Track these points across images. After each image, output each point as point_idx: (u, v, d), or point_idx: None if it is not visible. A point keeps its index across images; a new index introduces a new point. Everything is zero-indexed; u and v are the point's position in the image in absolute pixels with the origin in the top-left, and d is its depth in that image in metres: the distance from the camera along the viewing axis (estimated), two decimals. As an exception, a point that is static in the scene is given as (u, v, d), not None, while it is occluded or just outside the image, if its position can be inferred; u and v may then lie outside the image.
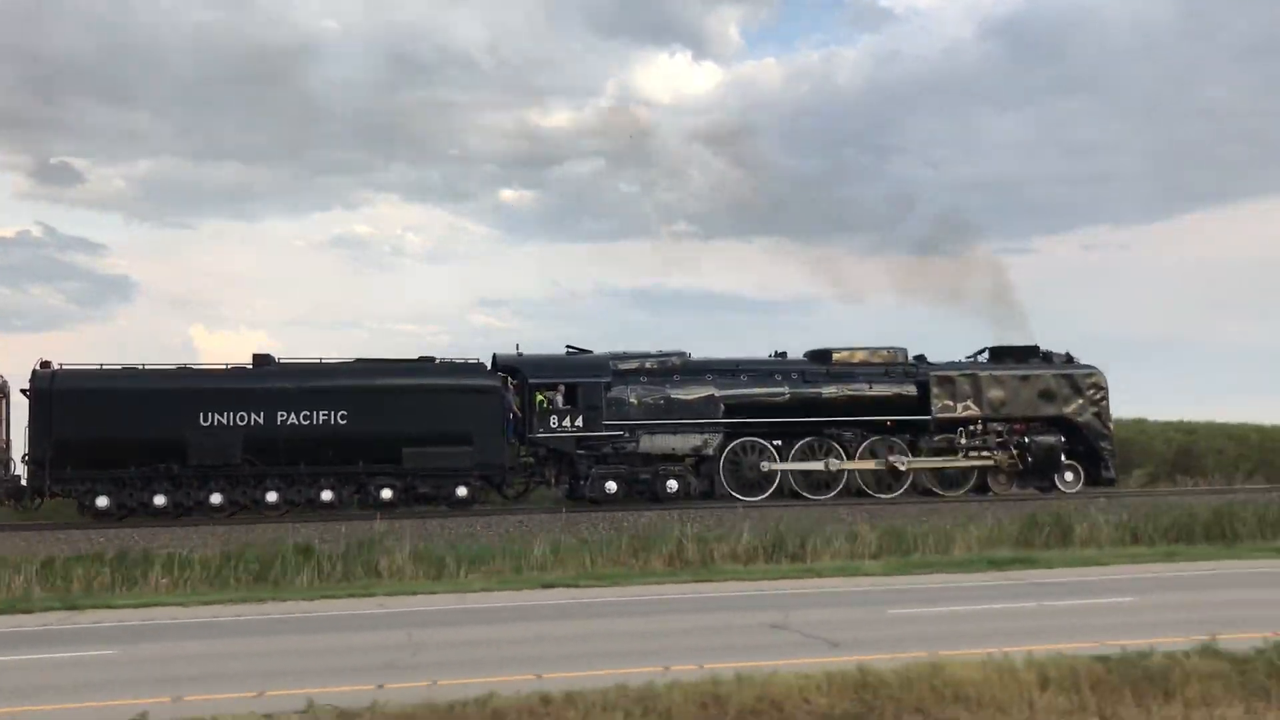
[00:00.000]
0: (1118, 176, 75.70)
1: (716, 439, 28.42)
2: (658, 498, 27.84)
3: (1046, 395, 30.22)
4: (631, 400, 28.15)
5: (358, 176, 79.26)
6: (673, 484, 27.90)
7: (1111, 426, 30.52)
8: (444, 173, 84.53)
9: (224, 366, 27.08)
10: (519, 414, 27.58)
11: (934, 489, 29.25)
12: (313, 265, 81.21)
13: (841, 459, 28.72)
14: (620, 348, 29.41)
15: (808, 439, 28.78)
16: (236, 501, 26.09)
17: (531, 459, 27.93)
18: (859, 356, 30.17)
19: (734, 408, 28.65)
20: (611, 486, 27.68)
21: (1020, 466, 29.59)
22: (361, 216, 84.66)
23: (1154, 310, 77.64)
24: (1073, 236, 79.80)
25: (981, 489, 29.58)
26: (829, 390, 29.29)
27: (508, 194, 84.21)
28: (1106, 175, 75.45)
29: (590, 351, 29.15)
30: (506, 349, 28.96)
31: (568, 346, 29.29)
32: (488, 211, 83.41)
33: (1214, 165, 75.14)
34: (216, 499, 25.76)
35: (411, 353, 28.39)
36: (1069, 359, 31.18)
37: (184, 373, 26.73)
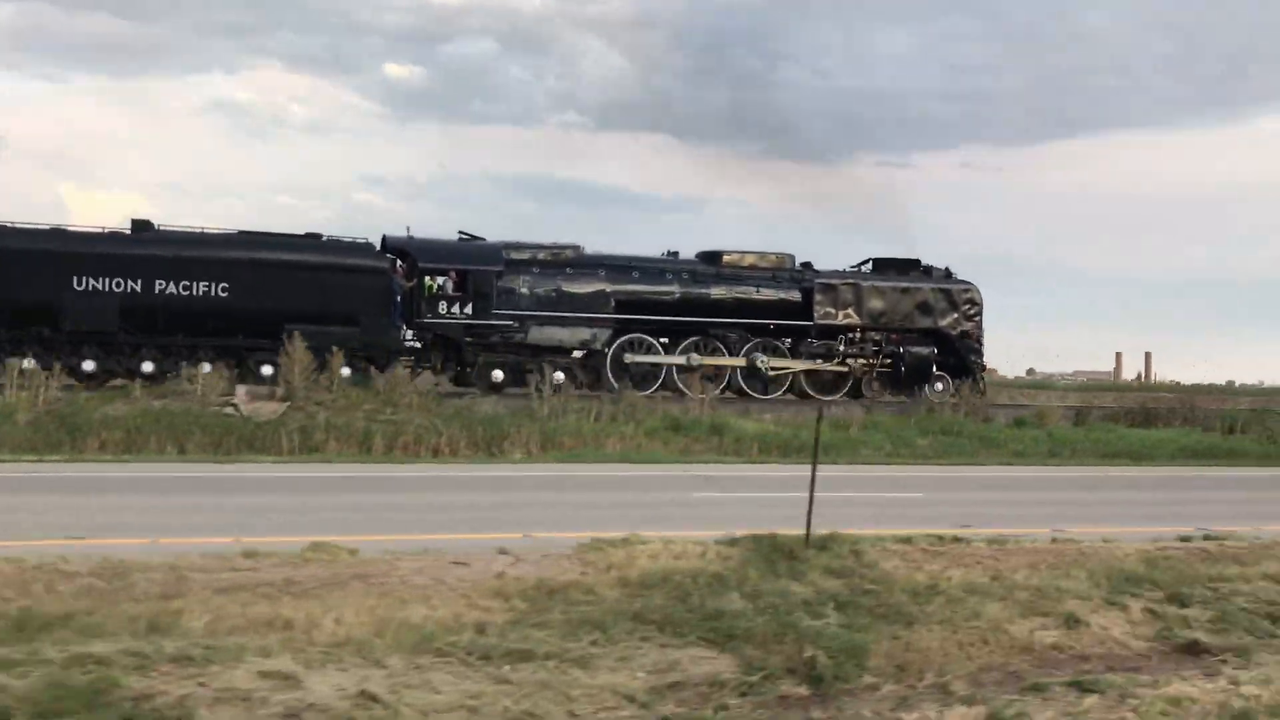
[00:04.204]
0: (997, 97, 77.61)
1: (605, 334, 28.61)
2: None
3: (924, 308, 31.18)
4: (523, 290, 28.03)
5: (238, 40, 75.75)
6: (559, 376, 28.04)
7: (984, 341, 31.74)
8: (328, 42, 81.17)
9: (101, 230, 26.00)
10: (407, 296, 27.26)
11: (810, 393, 30.05)
12: (189, 129, 77.83)
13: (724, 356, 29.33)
14: (504, 235, 29.23)
15: (694, 338, 29.22)
16: (111, 370, 25.32)
17: (418, 344, 27.70)
18: (748, 260, 30.61)
19: (624, 304, 28.83)
20: (498, 375, 27.70)
21: (874, 374, 30.60)
22: (241, 82, 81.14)
23: (1026, 232, 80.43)
24: (953, 154, 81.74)
25: (856, 394, 30.55)
26: (717, 291, 29.69)
27: (394, 69, 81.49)
28: (986, 95, 77.25)
29: (483, 239, 28.85)
30: (389, 229, 28.56)
31: (460, 232, 28.96)
32: (373, 86, 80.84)
33: (1087, 92, 77.57)
34: (89, 366, 24.95)
35: (291, 227, 27.69)
36: (948, 274, 32.16)
37: (58, 234, 25.56)
